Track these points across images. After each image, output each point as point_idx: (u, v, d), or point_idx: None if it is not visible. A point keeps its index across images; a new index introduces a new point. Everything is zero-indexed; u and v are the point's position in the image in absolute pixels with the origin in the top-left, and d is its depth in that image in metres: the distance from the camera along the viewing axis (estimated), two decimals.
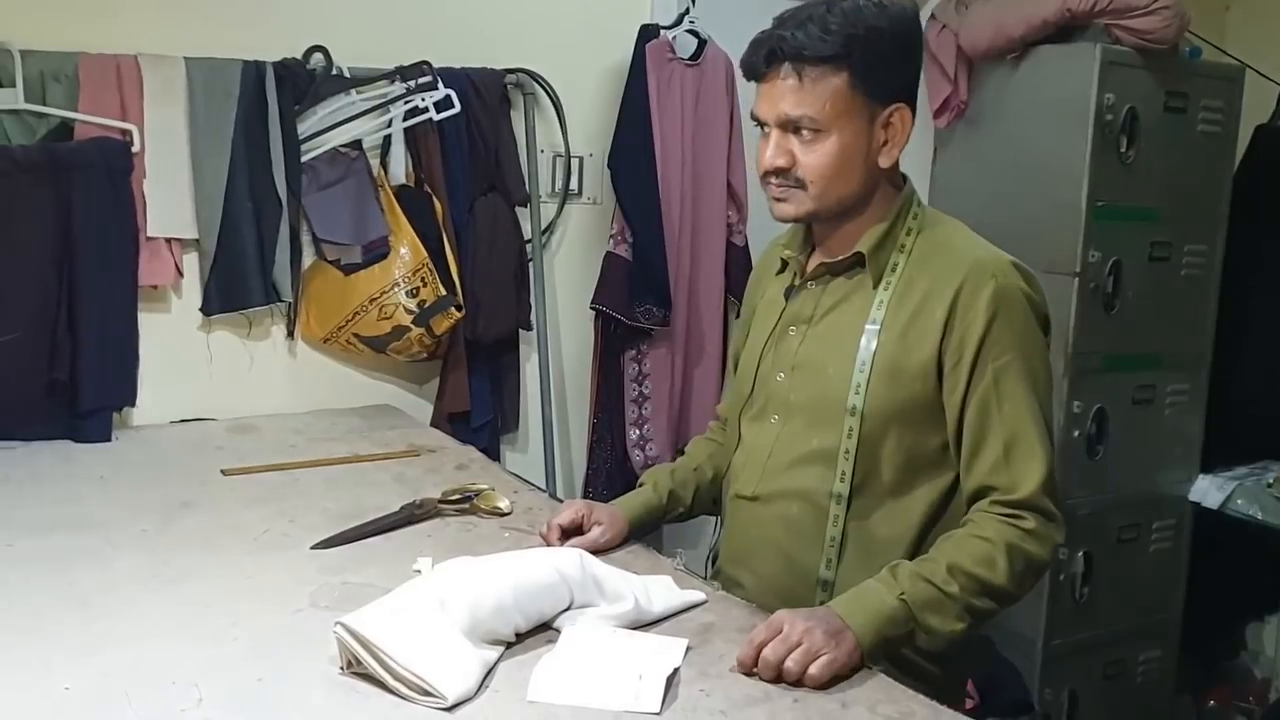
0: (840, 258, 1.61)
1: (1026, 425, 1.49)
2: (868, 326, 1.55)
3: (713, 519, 1.89)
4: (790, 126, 1.53)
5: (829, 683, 1.31)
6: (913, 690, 1.33)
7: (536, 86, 2.77)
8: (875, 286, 1.57)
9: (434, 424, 2.64)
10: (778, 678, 1.32)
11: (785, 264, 1.71)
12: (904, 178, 1.63)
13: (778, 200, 1.58)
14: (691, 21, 2.89)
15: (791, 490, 1.61)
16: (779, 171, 1.55)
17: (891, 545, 1.54)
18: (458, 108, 2.54)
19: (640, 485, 1.88)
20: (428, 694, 1.25)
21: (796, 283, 1.67)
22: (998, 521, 1.47)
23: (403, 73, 2.53)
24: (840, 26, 1.48)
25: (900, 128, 1.55)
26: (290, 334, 2.56)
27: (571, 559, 1.49)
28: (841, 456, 1.55)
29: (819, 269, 1.64)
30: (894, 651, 1.44)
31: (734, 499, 1.71)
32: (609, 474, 2.90)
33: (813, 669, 1.31)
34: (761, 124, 1.57)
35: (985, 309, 1.49)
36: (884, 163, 1.56)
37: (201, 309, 2.43)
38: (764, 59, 1.52)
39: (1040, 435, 1.49)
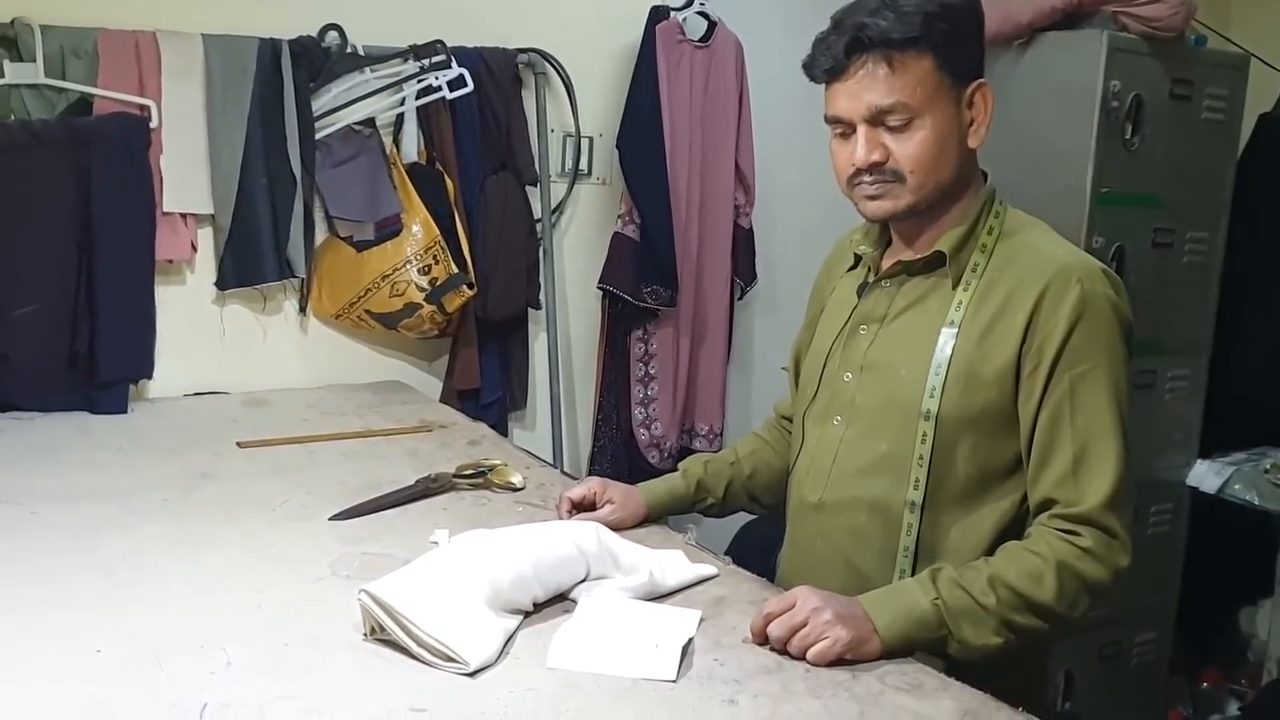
0: (919, 256, 1.54)
1: (1100, 438, 1.42)
2: (945, 329, 1.48)
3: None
4: (878, 119, 1.46)
5: (836, 663, 1.32)
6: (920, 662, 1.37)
7: (548, 66, 2.79)
8: (955, 287, 1.50)
9: (443, 400, 2.68)
10: (786, 650, 1.34)
11: (858, 260, 1.65)
12: (985, 175, 1.58)
13: (872, 198, 1.50)
14: (702, 3, 2.91)
15: (860, 499, 1.54)
16: (874, 167, 1.47)
17: (963, 558, 1.46)
18: (470, 86, 2.57)
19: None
20: (451, 660, 1.28)
21: (870, 280, 1.61)
22: (1054, 537, 1.41)
23: (416, 51, 2.55)
24: (916, 7, 1.43)
25: (984, 104, 1.50)
26: (303, 309, 2.59)
27: (588, 532, 1.53)
28: (915, 463, 1.48)
29: (895, 267, 1.57)
30: (927, 657, 1.39)
31: (797, 506, 1.65)
32: (614, 452, 2.93)
33: (812, 652, 1.32)
34: (840, 123, 1.50)
35: (1068, 315, 1.42)
36: (973, 143, 1.51)
37: (216, 284, 2.46)
38: (845, 51, 1.45)
39: (1114, 450, 1.42)
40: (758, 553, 1.87)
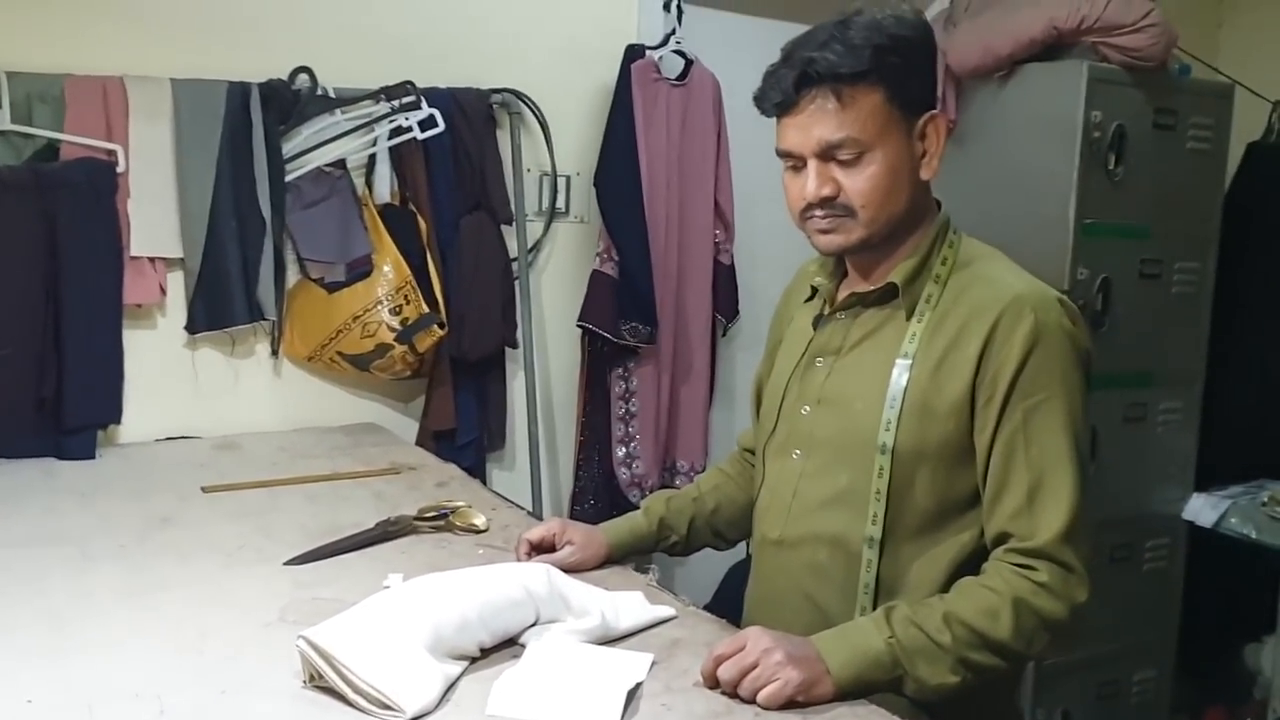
0: (872, 288, 1.53)
1: (1055, 470, 1.40)
2: (899, 361, 1.47)
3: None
4: (829, 153, 1.44)
5: (788, 706, 1.28)
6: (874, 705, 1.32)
7: (522, 106, 2.79)
8: (908, 319, 1.49)
9: (419, 442, 2.65)
10: (738, 694, 1.30)
11: (815, 292, 1.63)
12: (938, 203, 1.56)
13: (824, 232, 1.49)
14: (678, 42, 2.91)
15: (820, 535, 1.52)
16: (825, 201, 1.46)
17: (924, 592, 1.44)
18: (441, 126, 2.57)
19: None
20: (387, 707, 1.24)
21: (825, 312, 1.60)
22: (1010, 572, 1.39)
23: (387, 92, 2.55)
24: (865, 40, 1.42)
25: (935, 136, 1.48)
26: (275, 352, 2.57)
27: (538, 575, 1.49)
28: (873, 498, 1.46)
29: (849, 299, 1.56)
30: (882, 697, 1.35)
31: (759, 542, 1.63)
32: (596, 492, 2.91)
33: (762, 695, 1.28)
34: (791, 157, 1.49)
35: (1021, 345, 1.40)
36: (925, 175, 1.50)
37: (186, 327, 2.45)
38: (794, 86, 1.43)
39: (1070, 482, 1.40)
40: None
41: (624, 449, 2.93)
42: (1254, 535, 3.09)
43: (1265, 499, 3.14)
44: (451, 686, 1.32)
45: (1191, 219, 3.11)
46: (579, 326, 2.87)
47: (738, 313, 3.11)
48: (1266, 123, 3.40)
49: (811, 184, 1.46)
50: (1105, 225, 2.92)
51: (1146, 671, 3.22)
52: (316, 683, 1.30)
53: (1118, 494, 3.06)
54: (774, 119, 1.51)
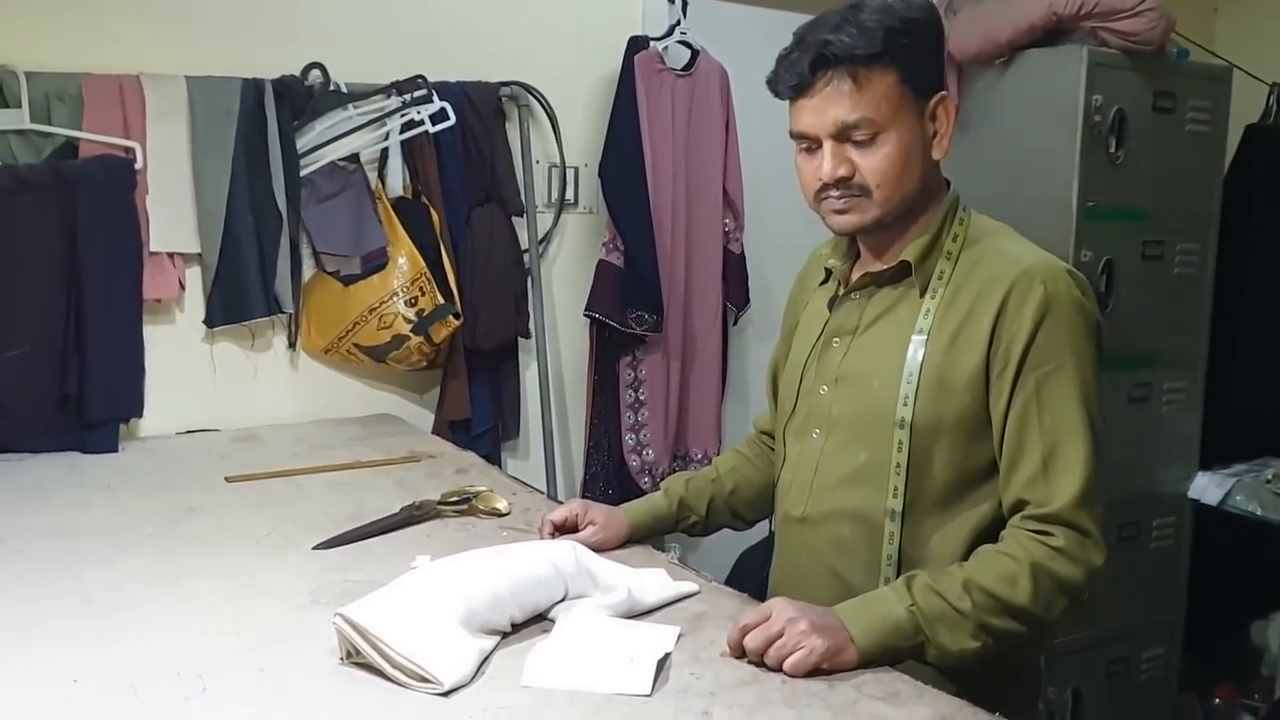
0: (886, 267, 1.56)
1: (1068, 437, 1.43)
2: (914, 337, 1.50)
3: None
4: (844, 134, 1.47)
5: (813, 674, 1.32)
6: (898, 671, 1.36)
7: (531, 99, 2.82)
8: (922, 296, 1.52)
9: (435, 432, 2.68)
10: (763, 662, 1.34)
11: (829, 274, 1.66)
12: (947, 182, 1.59)
13: (839, 212, 1.51)
14: (683, 33, 2.94)
15: (842, 510, 1.55)
16: (841, 182, 1.48)
17: (945, 563, 1.46)
18: (452, 120, 2.60)
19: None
20: (424, 680, 1.28)
21: (840, 293, 1.62)
22: (1026, 538, 1.42)
23: (398, 87, 2.58)
24: (878, 23, 1.44)
25: (946, 117, 1.51)
26: (292, 345, 2.61)
27: (565, 552, 1.53)
28: (893, 471, 1.49)
29: (864, 279, 1.58)
30: (904, 664, 1.38)
31: (782, 521, 1.67)
32: (605, 479, 2.93)
33: (788, 663, 1.32)
34: (806, 139, 1.51)
35: (1032, 316, 1.43)
36: (937, 155, 1.52)
37: (205, 321, 2.48)
38: (810, 68, 1.45)
39: (1083, 449, 1.42)
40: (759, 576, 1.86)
41: (633, 437, 2.95)
42: (1259, 512, 3.12)
43: (1269, 476, 3.17)
44: (485, 659, 1.35)
45: (1191, 200, 3.14)
46: (586, 316, 2.90)
47: (749, 301, 3.14)
48: (1265, 105, 3.42)
49: (828, 165, 1.48)
50: (1107, 208, 2.95)
51: (1155, 649, 3.25)
52: (354, 659, 1.34)
53: (1124, 474, 3.09)
54: (786, 103, 1.53)
